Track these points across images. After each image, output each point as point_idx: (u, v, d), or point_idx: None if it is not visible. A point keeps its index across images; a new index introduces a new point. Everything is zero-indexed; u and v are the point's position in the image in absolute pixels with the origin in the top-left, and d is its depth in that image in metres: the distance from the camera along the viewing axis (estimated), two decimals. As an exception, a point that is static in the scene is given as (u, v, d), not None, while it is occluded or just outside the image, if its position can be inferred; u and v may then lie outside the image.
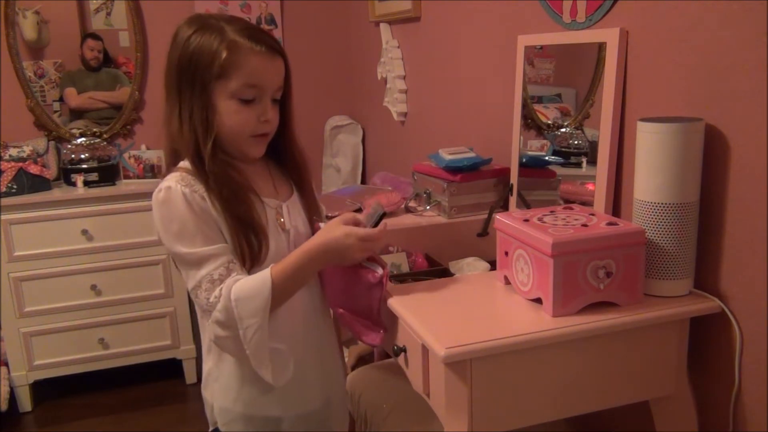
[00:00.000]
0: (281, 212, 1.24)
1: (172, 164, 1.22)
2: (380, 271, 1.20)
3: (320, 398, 1.32)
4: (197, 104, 1.14)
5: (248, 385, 1.24)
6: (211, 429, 1.32)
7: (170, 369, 2.92)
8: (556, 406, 1.14)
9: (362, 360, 2.19)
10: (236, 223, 1.15)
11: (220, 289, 1.11)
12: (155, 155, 2.84)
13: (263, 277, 1.11)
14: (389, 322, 1.25)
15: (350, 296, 1.27)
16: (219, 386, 1.27)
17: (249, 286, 1.11)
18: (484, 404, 1.07)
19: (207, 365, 1.29)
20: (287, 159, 1.30)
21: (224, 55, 1.12)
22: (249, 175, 1.22)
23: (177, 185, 1.14)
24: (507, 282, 1.25)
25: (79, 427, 2.61)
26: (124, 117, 2.98)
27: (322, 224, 1.26)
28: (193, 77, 1.14)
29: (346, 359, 2.21)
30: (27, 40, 2.83)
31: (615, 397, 1.18)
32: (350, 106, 3.30)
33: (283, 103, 1.23)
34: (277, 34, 3.11)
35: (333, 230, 1.16)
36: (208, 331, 1.17)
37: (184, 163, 1.19)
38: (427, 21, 2.34)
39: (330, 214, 1.76)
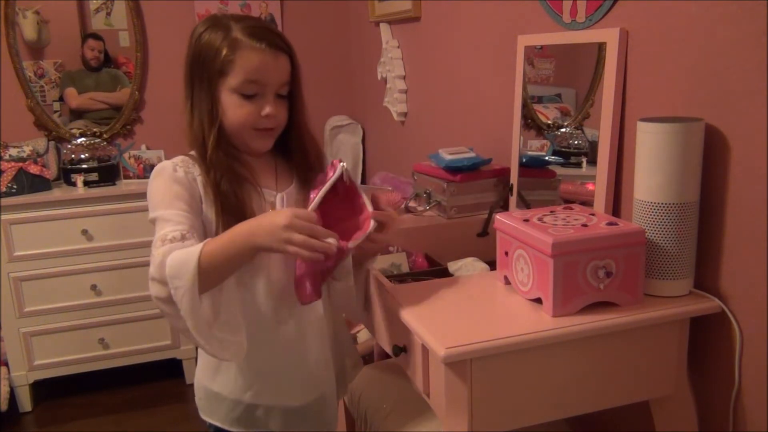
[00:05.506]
0: (274, 203, 1.26)
1: None
2: (338, 243, 1.06)
3: (306, 395, 1.33)
4: (204, 98, 1.20)
5: (225, 366, 1.28)
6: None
7: (170, 369, 2.92)
8: (556, 406, 1.14)
9: (362, 360, 2.18)
10: (228, 217, 1.17)
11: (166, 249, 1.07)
12: (155, 155, 2.84)
13: (197, 248, 1.06)
14: (388, 323, 1.25)
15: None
16: (201, 364, 1.33)
17: (183, 251, 1.06)
18: (484, 404, 1.07)
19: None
20: (295, 154, 1.31)
21: (224, 52, 1.18)
22: (253, 167, 1.25)
23: (171, 164, 1.20)
24: (507, 282, 1.25)
25: (79, 427, 2.61)
26: (124, 117, 2.98)
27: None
28: (201, 73, 1.20)
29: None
30: (27, 40, 2.83)
31: (615, 397, 1.18)
32: (350, 106, 3.30)
33: (292, 99, 1.26)
34: (277, 34, 3.11)
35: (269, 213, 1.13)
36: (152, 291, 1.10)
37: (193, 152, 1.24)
38: (427, 21, 2.34)
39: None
